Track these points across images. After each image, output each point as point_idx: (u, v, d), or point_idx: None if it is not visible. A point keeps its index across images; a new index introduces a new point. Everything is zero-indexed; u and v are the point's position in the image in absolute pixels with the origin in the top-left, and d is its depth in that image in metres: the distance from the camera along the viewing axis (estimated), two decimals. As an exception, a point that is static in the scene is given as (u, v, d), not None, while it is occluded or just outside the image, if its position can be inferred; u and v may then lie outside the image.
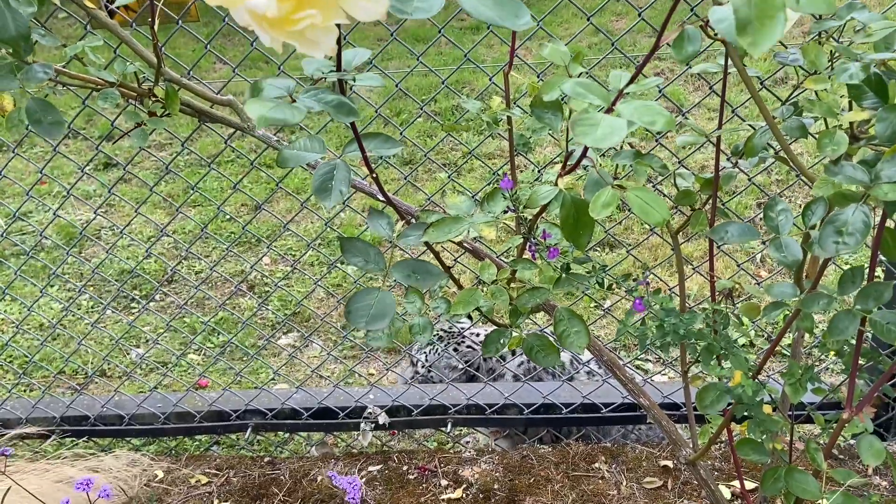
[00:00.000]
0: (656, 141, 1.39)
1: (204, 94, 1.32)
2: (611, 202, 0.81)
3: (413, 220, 1.11)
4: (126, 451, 1.67)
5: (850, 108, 0.93)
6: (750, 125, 1.13)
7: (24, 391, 2.34)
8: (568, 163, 0.90)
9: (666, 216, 0.80)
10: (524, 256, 1.09)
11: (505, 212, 1.01)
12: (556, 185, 0.93)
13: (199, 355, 2.67)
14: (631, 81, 0.67)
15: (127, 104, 1.27)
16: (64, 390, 2.38)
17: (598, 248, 3.00)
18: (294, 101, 0.70)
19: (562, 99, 0.97)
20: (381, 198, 1.23)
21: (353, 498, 1.08)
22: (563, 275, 1.04)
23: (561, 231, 0.96)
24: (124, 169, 1.69)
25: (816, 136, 1.01)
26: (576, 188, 0.95)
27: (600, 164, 1.03)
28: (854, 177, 0.81)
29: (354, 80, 0.74)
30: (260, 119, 0.63)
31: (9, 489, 1.13)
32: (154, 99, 1.26)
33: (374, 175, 0.96)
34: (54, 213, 1.76)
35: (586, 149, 0.85)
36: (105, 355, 2.01)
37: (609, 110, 0.67)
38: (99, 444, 1.88)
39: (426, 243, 1.11)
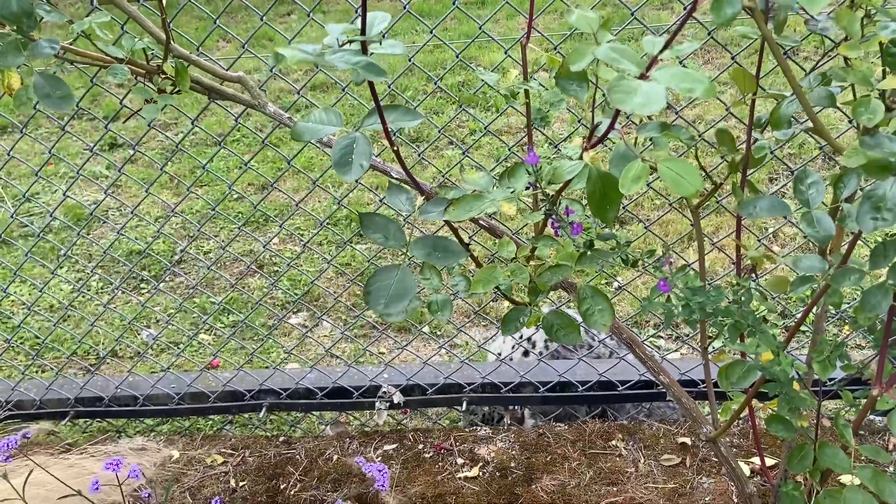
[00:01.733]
0: (676, 114, 1.36)
1: (214, 71, 1.29)
2: (641, 176, 0.78)
3: (432, 196, 1.09)
4: (141, 430, 1.67)
5: (884, 77, 0.90)
6: (775, 95, 1.10)
7: (38, 373, 2.34)
8: (594, 135, 0.88)
9: (699, 186, 0.78)
10: (546, 233, 1.07)
11: (527, 188, 0.98)
12: (580, 159, 0.90)
13: (210, 335, 2.66)
14: (665, 47, 0.65)
15: (135, 82, 1.25)
16: (76, 371, 2.38)
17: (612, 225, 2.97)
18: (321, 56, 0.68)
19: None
20: (395, 175, 1.20)
21: (383, 485, 1.07)
22: (588, 251, 1.02)
23: (589, 206, 0.93)
24: (134, 149, 1.67)
25: (845, 106, 0.98)
26: (598, 162, 0.92)
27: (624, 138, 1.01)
28: (892, 148, 0.78)
29: (381, 42, 0.72)
30: (291, 56, 0.62)
31: (31, 472, 1.13)
32: (163, 76, 1.23)
33: (396, 149, 0.93)
34: (64, 194, 1.74)
35: (613, 121, 0.82)
36: (118, 336, 2.01)
37: (643, 77, 0.64)
38: (113, 426, 1.88)
39: (446, 221, 1.09)
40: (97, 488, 1.02)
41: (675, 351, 2.44)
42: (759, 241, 1.55)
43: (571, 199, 1.04)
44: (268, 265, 2.99)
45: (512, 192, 0.97)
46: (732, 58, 1.36)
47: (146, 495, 1.15)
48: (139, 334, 2.67)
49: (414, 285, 0.94)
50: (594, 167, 0.87)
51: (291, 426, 2.04)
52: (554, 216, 1.02)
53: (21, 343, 2.55)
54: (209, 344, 2.60)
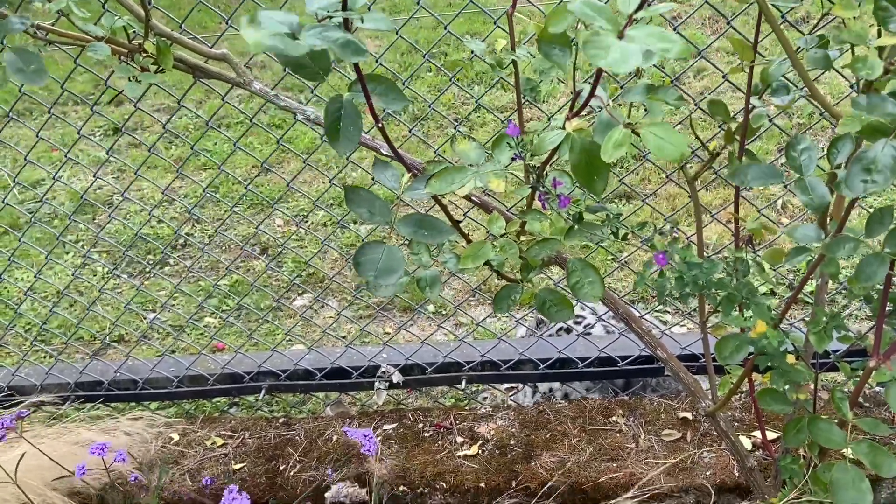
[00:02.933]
0: (672, 83, 1.33)
1: (196, 49, 1.27)
2: (623, 142, 0.76)
3: (420, 173, 1.07)
4: (140, 413, 1.67)
5: (879, 36, 0.87)
6: (772, 63, 1.07)
7: (44, 359, 2.35)
8: (576, 104, 0.85)
9: (684, 150, 0.75)
10: (535, 207, 1.05)
11: (512, 160, 0.96)
12: (563, 128, 0.88)
13: (214, 318, 2.67)
14: (640, 7, 0.62)
15: (119, 62, 1.23)
16: (83, 356, 2.39)
17: (616, 200, 2.94)
18: (296, 38, 0.65)
19: (572, 40, 0.91)
20: (385, 151, 1.18)
21: (369, 449, 1.06)
22: (575, 225, 0.99)
23: (575, 177, 0.91)
24: (147, 144, 1.66)
25: (843, 70, 0.95)
26: (588, 133, 0.89)
27: (612, 107, 0.98)
28: (885, 109, 0.75)
29: (362, 20, 0.69)
30: (255, 45, 0.59)
31: (23, 455, 1.13)
32: (144, 54, 1.21)
33: (381, 125, 0.91)
34: (54, 178, 1.73)
35: (594, 88, 0.79)
36: (115, 319, 2.01)
37: (620, 36, 0.62)
38: (114, 410, 1.89)
39: (433, 196, 1.07)
40: (83, 472, 1.02)
41: (681, 325, 2.42)
42: (758, 211, 1.52)
43: (562, 171, 1.01)
44: (272, 247, 2.99)
45: (501, 166, 0.95)
46: (728, 23, 1.32)
47: (134, 479, 1.15)
48: (145, 318, 2.68)
49: (403, 260, 0.92)
50: (578, 136, 0.84)
51: (293, 408, 2.04)
52: (541, 189, 0.99)
53: (27, 330, 2.56)
54: (214, 327, 2.60)
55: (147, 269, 2.93)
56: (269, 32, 0.60)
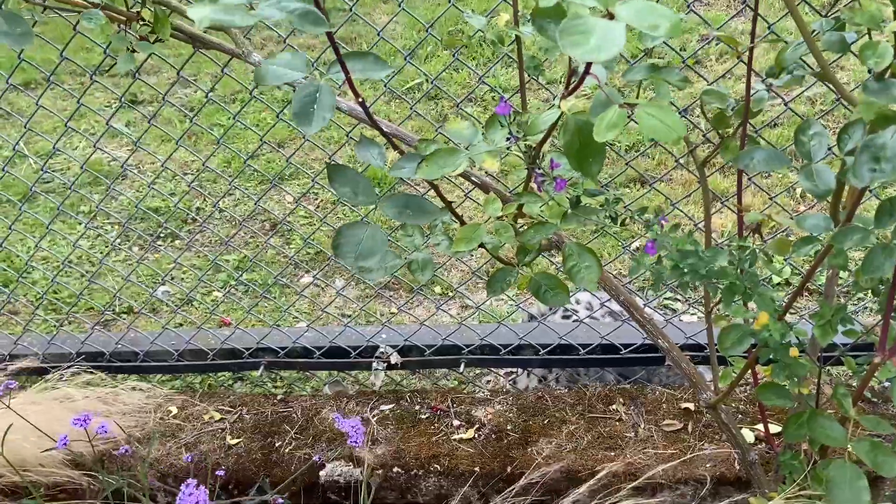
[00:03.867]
0: (683, 62, 1.28)
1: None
2: (617, 122, 0.72)
3: (413, 150, 1.03)
4: (141, 384, 1.67)
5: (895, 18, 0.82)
6: (787, 42, 1.03)
7: (54, 329, 2.37)
8: (571, 81, 0.81)
9: (681, 132, 0.71)
10: (531, 189, 1.02)
11: (507, 139, 0.93)
12: (559, 108, 0.84)
13: (222, 293, 2.66)
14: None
15: (117, 31, 1.21)
16: (91, 327, 2.40)
17: (630, 185, 2.89)
18: (252, 8, 0.62)
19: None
20: (385, 128, 1.15)
21: (356, 441, 1.05)
22: (570, 209, 0.96)
23: (568, 159, 0.87)
24: (160, 117, 1.64)
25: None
26: (585, 113, 0.86)
27: (615, 87, 0.94)
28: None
29: None
30: (202, 20, 0.56)
31: (10, 426, 1.13)
32: (142, 23, 1.19)
33: (361, 100, 0.88)
34: (50, 145, 1.72)
35: (588, 66, 0.76)
36: (117, 290, 2.01)
37: (610, 15, 0.58)
38: (116, 381, 1.89)
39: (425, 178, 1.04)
40: (66, 443, 1.01)
41: (691, 314, 2.38)
42: (770, 199, 1.47)
43: (560, 153, 0.98)
44: (281, 225, 2.98)
45: (495, 146, 0.92)
46: (744, 2, 1.27)
47: (124, 450, 1.15)
48: (154, 291, 2.68)
49: (385, 241, 0.90)
50: (572, 116, 0.81)
51: (293, 385, 2.03)
52: (537, 170, 0.96)
53: (38, 298, 2.58)
54: (222, 302, 2.60)
55: (157, 242, 2.94)
56: (216, 7, 0.57)
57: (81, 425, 0.99)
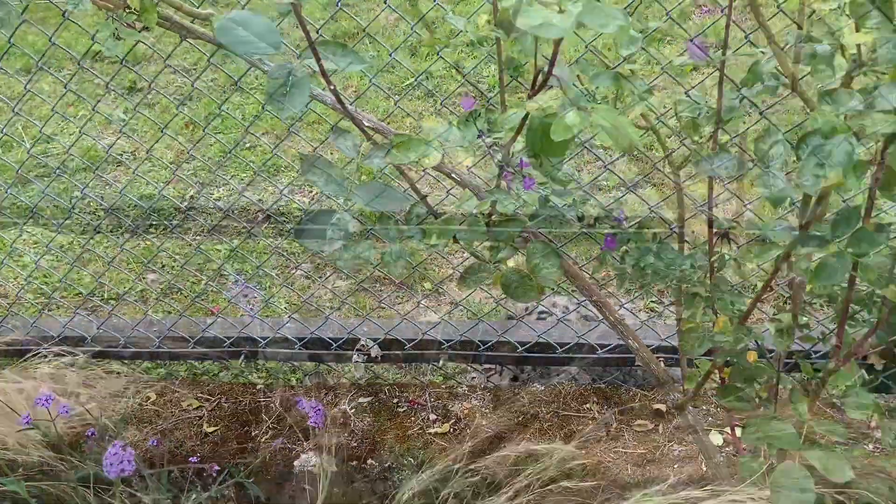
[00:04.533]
0: (661, 69, 1.30)
1: (182, 8, 1.26)
2: (573, 124, 0.74)
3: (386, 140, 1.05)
4: (121, 369, 1.69)
5: (857, 31, 0.84)
6: (762, 52, 1.04)
7: (37, 314, 2.38)
8: (537, 81, 0.83)
9: (634, 140, 0.74)
10: (502, 187, 1.04)
11: (479, 136, 0.95)
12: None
13: (214, 283, 2.68)
14: (583, -17, 0.60)
15: (107, 18, 1.23)
16: (75, 310, 2.42)
17: (622, 189, 2.90)
18: None
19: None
20: (367, 122, 1.17)
21: (316, 422, 1.07)
22: (537, 207, 0.98)
23: (529, 158, 0.90)
24: (161, 105, 1.66)
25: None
26: (551, 113, 0.88)
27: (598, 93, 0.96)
28: (848, 105, 0.73)
29: None
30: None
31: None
32: (128, 10, 1.20)
33: (333, 87, 0.90)
34: (40, 126, 1.74)
35: (552, 65, 0.77)
36: (98, 276, 2.02)
37: (561, 11, 0.61)
38: (95, 365, 1.91)
39: (397, 167, 1.06)
40: (28, 421, 1.03)
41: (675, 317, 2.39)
42: (744, 206, 1.49)
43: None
44: (275, 216, 2.99)
45: (467, 142, 0.94)
46: (722, 11, 1.29)
47: (91, 433, 1.17)
48: (144, 278, 2.70)
49: (351, 229, 0.92)
50: (536, 116, 0.82)
51: (275, 376, 2.04)
52: (506, 168, 0.98)
53: (27, 283, 2.60)
54: (212, 291, 2.62)
55: (150, 231, 2.95)
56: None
57: (43, 405, 1.00)
